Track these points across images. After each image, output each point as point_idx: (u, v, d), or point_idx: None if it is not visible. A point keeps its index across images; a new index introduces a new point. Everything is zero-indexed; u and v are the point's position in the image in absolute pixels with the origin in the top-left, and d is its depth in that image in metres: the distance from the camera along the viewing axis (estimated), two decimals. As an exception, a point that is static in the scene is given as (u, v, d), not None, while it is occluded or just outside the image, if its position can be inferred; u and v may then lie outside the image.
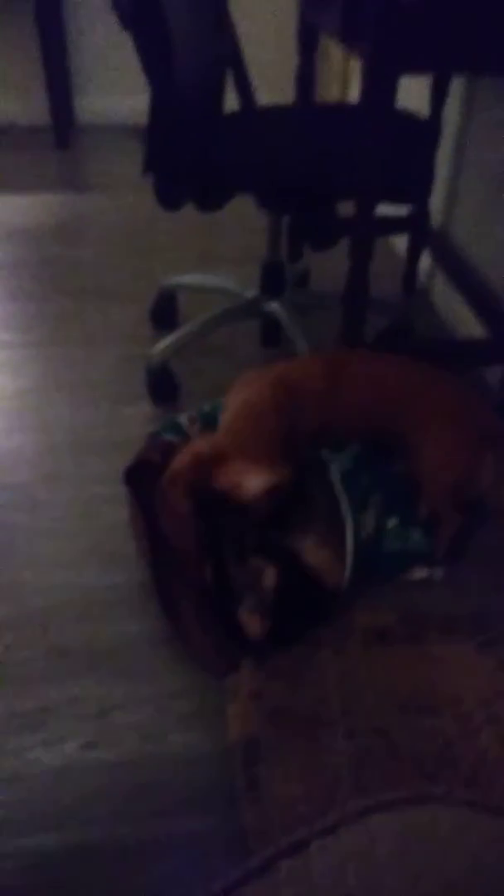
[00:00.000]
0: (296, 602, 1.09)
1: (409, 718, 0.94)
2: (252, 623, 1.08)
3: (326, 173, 1.48)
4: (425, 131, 1.76)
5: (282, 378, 1.22)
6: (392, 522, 1.19)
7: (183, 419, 1.31)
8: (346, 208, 1.53)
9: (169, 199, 1.54)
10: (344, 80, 3.30)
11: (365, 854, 0.44)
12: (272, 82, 2.21)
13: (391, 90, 1.30)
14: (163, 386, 1.68)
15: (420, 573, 1.23)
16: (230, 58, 1.76)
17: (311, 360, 1.29)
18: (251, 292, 1.81)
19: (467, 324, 1.91)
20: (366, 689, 0.98)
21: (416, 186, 1.58)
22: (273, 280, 1.78)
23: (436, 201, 2.13)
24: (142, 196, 2.66)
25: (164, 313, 1.96)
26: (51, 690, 1.09)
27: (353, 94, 3.22)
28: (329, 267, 2.10)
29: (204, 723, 1.05)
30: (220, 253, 2.34)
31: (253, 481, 1.10)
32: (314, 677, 1.03)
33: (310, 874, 0.46)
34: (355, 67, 3.16)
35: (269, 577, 1.09)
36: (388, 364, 1.23)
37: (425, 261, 2.19)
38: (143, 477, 1.24)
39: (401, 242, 2.39)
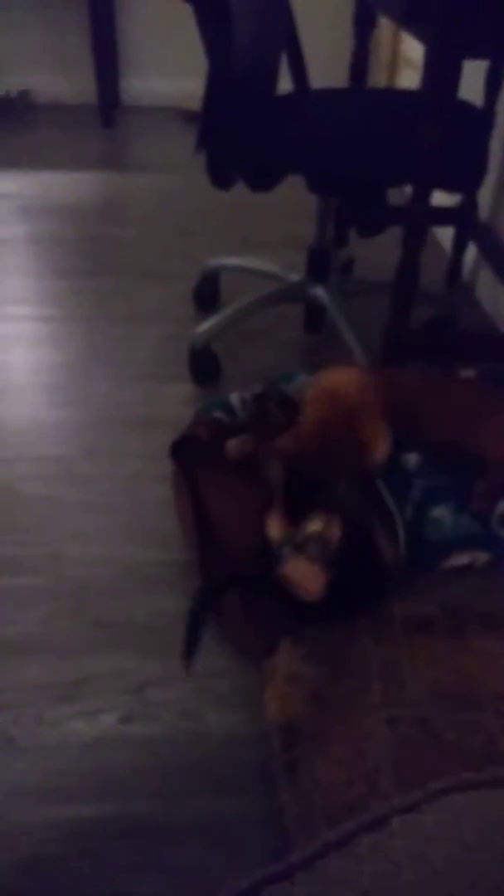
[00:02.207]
0: (357, 564, 1.10)
1: (451, 711, 0.92)
2: (311, 576, 1.07)
3: (380, 159, 1.46)
4: (480, 120, 1.73)
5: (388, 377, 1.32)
6: (438, 511, 1.18)
7: (234, 399, 1.30)
8: (394, 197, 1.51)
9: (220, 177, 1.53)
10: (391, 68, 3.26)
11: (451, 834, 0.43)
12: (325, 66, 2.18)
13: (455, 75, 1.28)
14: (205, 366, 1.67)
15: (463, 559, 1.22)
16: (286, 39, 1.74)
17: (408, 371, 1.38)
18: (296, 276, 1.80)
19: (513, 318, 1.88)
20: (408, 679, 0.97)
21: (470, 176, 1.56)
22: (319, 265, 1.77)
23: (484, 193, 2.10)
24: (186, 178, 2.65)
25: (207, 294, 1.96)
26: (88, 663, 1.09)
27: (401, 83, 3.18)
28: (372, 255, 2.08)
29: (241, 704, 1.04)
30: (262, 237, 2.32)
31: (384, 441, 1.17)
32: (354, 665, 1.02)
33: (393, 850, 0.45)
34: (404, 55, 3.12)
35: (334, 527, 1.09)
36: (463, 385, 1.37)
37: (470, 254, 2.16)
38: (187, 453, 1.23)
39: (445, 234, 2.36)
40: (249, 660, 1.09)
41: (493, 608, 1.15)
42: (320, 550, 1.09)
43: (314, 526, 1.11)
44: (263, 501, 1.15)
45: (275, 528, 1.13)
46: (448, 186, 1.48)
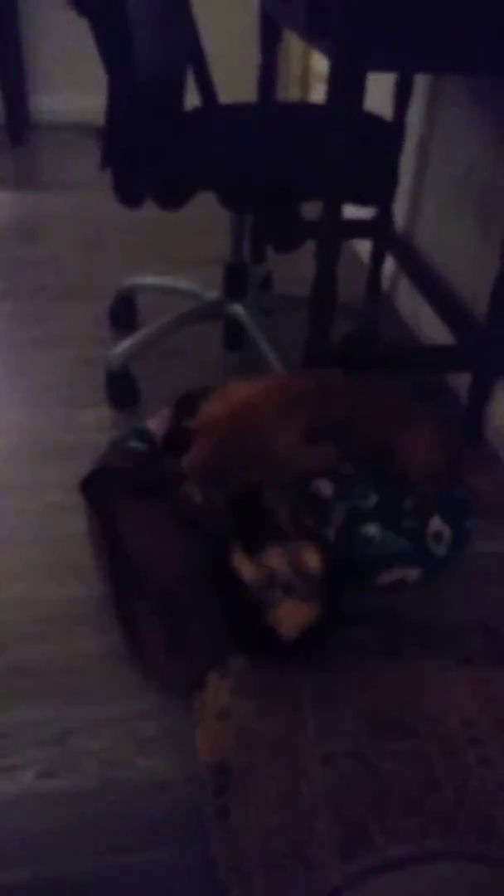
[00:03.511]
0: (340, 587, 1.08)
1: (388, 740, 0.89)
2: (304, 615, 1.03)
3: (290, 173, 1.44)
4: (390, 133, 1.73)
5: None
6: (367, 528, 1.16)
7: (151, 424, 1.25)
8: (310, 210, 1.50)
9: (128, 195, 1.49)
10: (303, 82, 3.28)
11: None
12: (233, 80, 2.17)
13: (359, 89, 1.27)
14: (123, 390, 1.62)
15: (394, 575, 1.19)
16: (191, 53, 1.71)
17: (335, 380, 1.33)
18: (213, 294, 1.77)
19: (432, 330, 1.89)
20: (342, 709, 0.94)
21: (381, 189, 1.55)
22: (236, 282, 1.74)
23: (399, 205, 2.11)
24: (99, 195, 2.59)
25: (123, 315, 1.90)
26: (4, 715, 1.02)
27: (314, 97, 3.20)
28: (292, 270, 2.07)
29: (169, 746, 0.99)
30: (180, 254, 2.28)
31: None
32: (285, 697, 0.98)
33: None
34: (315, 69, 3.14)
35: (312, 557, 1.06)
36: (385, 397, 1.32)
37: (389, 266, 2.17)
38: (101, 485, 1.18)
39: (364, 247, 2.37)
40: (175, 697, 1.04)
41: (428, 625, 1.13)
42: (308, 587, 1.05)
43: (281, 559, 1.07)
44: (188, 535, 1.10)
45: (247, 568, 1.08)
46: (358, 200, 1.47)
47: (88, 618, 1.15)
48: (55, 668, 1.08)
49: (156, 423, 1.26)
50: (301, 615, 1.04)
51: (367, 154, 1.46)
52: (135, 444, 1.21)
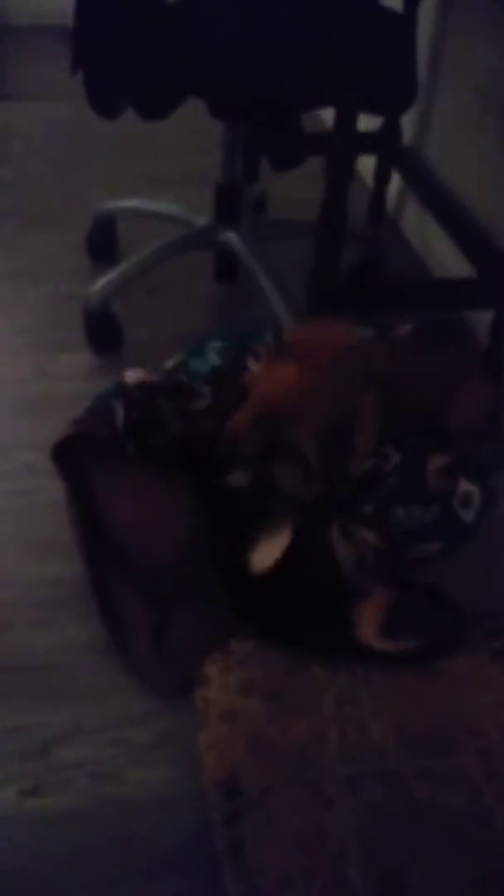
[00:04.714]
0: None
1: (424, 758, 0.77)
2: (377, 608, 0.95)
3: (292, 75, 1.24)
4: (404, 28, 1.52)
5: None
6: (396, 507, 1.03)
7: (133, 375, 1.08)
8: (309, 123, 1.31)
9: (104, 103, 1.30)
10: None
11: None
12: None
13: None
14: (104, 331, 1.46)
15: (416, 551, 1.07)
16: None
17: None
18: (203, 219, 1.59)
19: (443, 257, 1.72)
20: (369, 720, 0.81)
21: (400, 94, 1.35)
22: (228, 205, 1.56)
23: (407, 115, 1.90)
24: (74, 106, 2.33)
25: (102, 244, 1.73)
26: (-23, 721, 0.89)
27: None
28: (286, 191, 1.88)
29: (168, 755, 0.87)
30: (164, 173, 2.08)
31: None
32: (303, 702, 0.85)
33: None
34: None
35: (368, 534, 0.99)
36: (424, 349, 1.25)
37: (394, 185, 1.97)
38: (79, 450, 1.03)
39: (365, 163, 2.16)
40: (169, 699, 0.91)
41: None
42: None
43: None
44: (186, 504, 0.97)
45: (343, 546, 0.99)
46: (375, 108, 1.28)
47: (74, 603, 1.01)
48: (34, 664, 0.95)
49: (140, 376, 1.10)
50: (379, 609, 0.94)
51: (383, 53, 1.25)
52: (119, 404, 1.05)
